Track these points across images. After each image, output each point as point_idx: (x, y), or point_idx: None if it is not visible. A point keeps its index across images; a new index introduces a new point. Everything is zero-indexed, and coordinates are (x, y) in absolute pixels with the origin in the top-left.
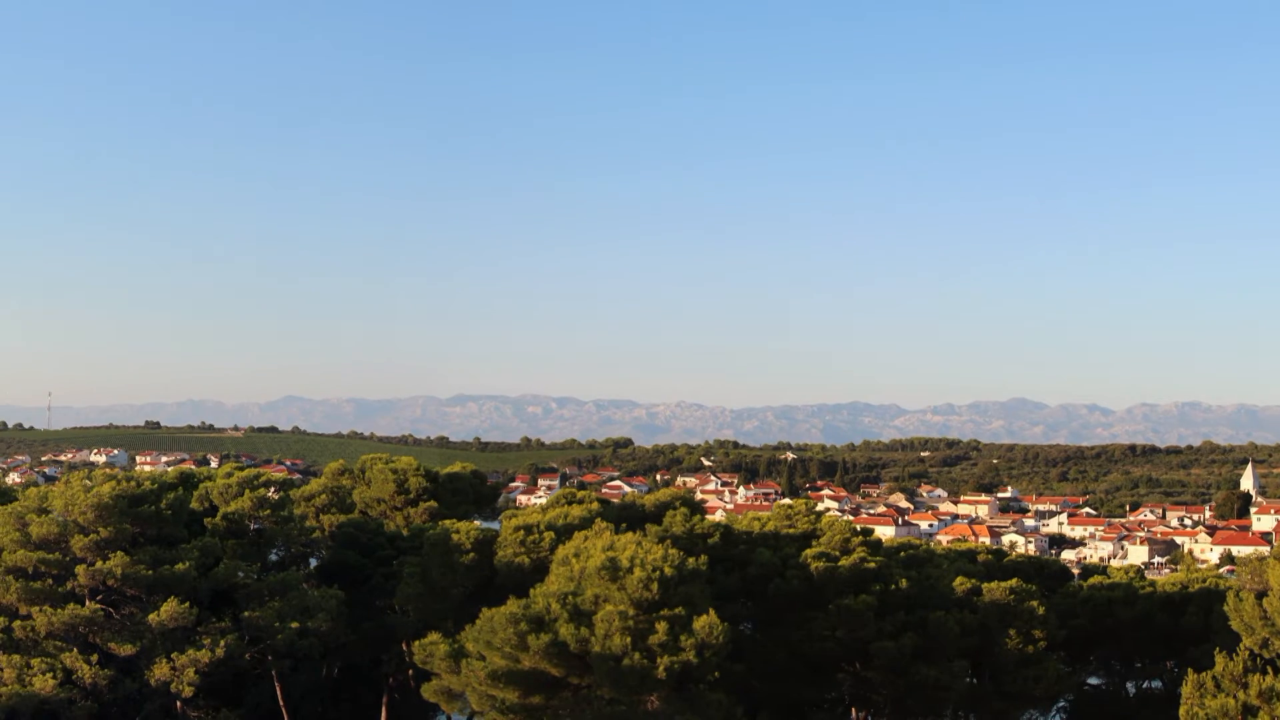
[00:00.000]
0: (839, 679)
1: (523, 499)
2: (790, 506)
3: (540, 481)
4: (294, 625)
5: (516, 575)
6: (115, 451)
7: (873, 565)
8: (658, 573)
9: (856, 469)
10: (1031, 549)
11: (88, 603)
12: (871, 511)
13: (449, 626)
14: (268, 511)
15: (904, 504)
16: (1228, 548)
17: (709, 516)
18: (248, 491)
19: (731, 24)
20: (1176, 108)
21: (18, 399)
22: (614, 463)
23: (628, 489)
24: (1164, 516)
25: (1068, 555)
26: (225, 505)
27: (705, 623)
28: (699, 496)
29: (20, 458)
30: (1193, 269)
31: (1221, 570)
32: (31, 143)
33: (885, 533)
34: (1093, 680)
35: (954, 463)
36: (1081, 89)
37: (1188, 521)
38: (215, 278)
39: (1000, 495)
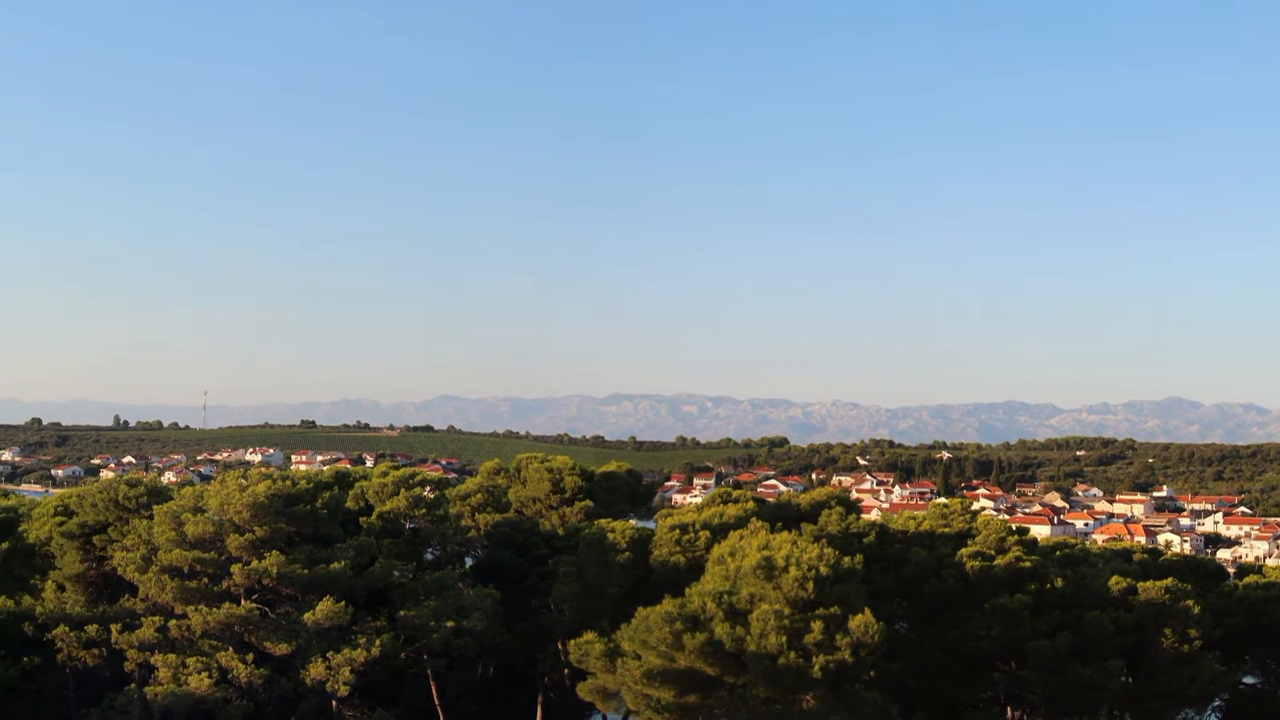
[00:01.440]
0: (994, 678)
1: (678, 498)
2: (946, 506)
3: (695, 480)
4: (449, 624)
5: (672, 574)
6: (271, 451)
7: (1028, 564)
8: (813, 572)
9: (1012, 468)
10: (1187, 548)
11: (243, 602)
12: (1027, 511)
13: (604, 626)
14: (423, 511)
15: (1059, 503)
16: None
17: (864, 516)
18: (403, 491)
19: (890, 26)
20: None
21: (174, 398)
22: (769, 462)
23: (783, 488)
24: None
25: (1223, 554)
26: (381, 504)
27: (861, 622)
28: (854, 496)
29: (176, 457)
30: None
31: None
32: (192, 147)
33: (1040, 532)
34: (1248, 680)
35: (1109, 462)
36: (1234, 90)
37: None
38: (371, 279)
39: (1156, 494)
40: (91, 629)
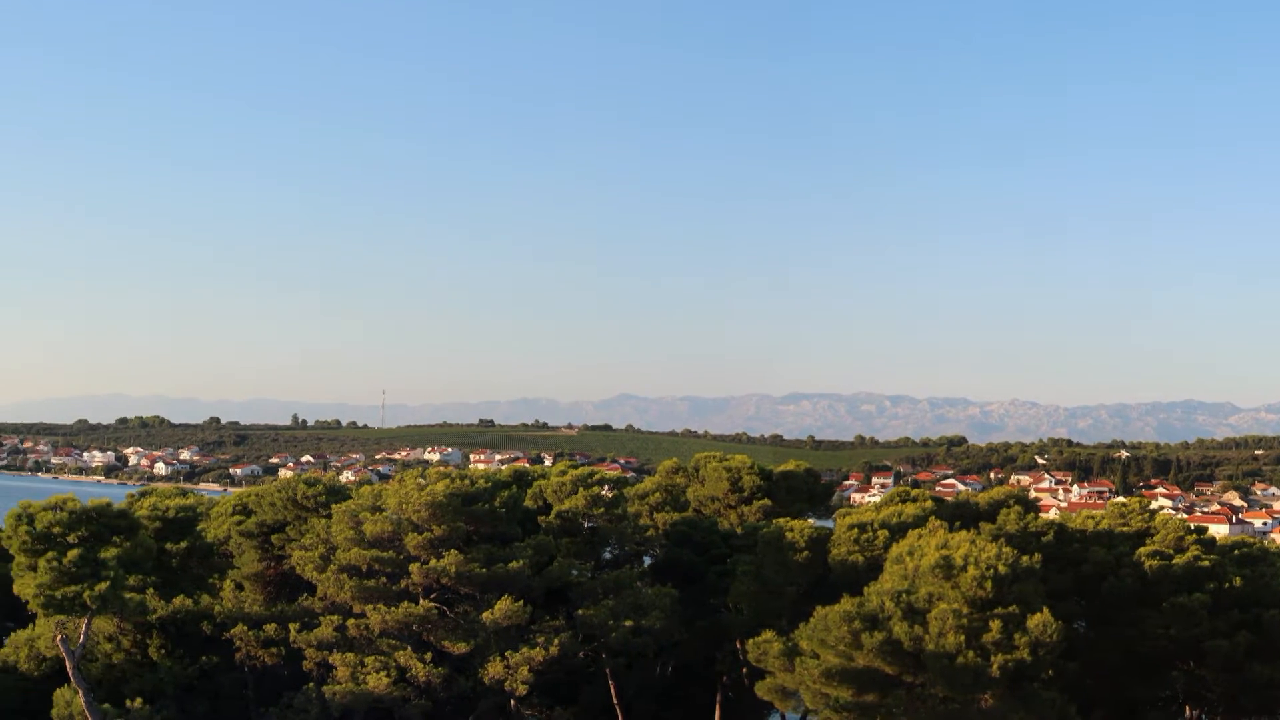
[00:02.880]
0: (1172, 677)
1: (856, 497)
2: (1124, 505)
3: (874, 480)
4: (628, 623)
5: (850, 573)
6: (449, 450)
7: (1206, 563)
8: (991, 571)
9: (1190, 467)
10: None
11: (421, 601)
12: (1205, 510)
13: (782, 624)
14: (601, 510)
15: (1238, 502)
16: None
17: (1042, 515)
18: (581, 490)
19: (1069, 22)
20: None
21: (353, 397)
22: (947, 461)
23: (961, 487)
24: None
25: None
26: (559, 503)
27: (1039, 621)
28: (1032, 495)
29: (354, 455)
30: None
31: None
32: (375, 147)
33: (1219, 531)
34: None
35: None
36: None
37: None
38: (552, 278)
39: None
40: (270, 628)
